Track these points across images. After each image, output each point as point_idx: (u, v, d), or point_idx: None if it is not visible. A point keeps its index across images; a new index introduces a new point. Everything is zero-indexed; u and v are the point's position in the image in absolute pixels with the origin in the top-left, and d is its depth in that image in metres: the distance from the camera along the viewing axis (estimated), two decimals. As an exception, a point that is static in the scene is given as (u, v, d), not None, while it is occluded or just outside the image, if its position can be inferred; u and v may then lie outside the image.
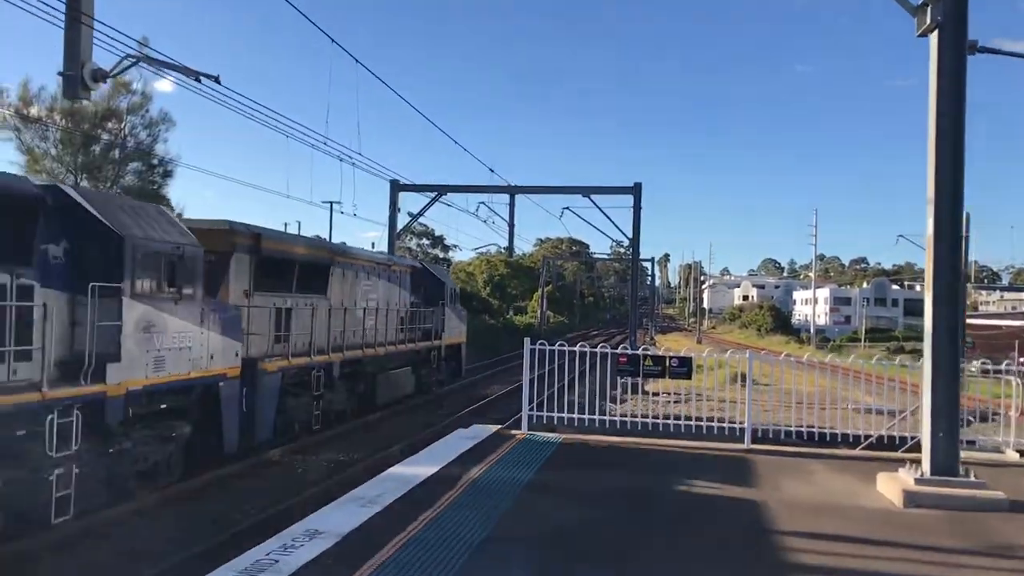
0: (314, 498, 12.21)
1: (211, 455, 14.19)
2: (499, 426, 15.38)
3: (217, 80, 13.58)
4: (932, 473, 10.20)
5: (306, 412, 18.07)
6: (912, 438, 14.10)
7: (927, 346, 10.47)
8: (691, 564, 7.62)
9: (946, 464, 10.14)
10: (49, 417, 10.15)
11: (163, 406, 12.84)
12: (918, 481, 10.12)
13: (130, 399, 11.72)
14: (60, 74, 11.81)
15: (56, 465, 10.25)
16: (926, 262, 10.50)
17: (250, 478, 14.70)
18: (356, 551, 7.49)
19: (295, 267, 18.16)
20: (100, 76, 11.92)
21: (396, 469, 11.32)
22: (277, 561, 7.13)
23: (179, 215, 14.56)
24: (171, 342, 12.68)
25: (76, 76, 11.61)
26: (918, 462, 10.70)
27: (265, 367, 16.03)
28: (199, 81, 13.67)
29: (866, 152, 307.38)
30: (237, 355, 14.67)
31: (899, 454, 13.81)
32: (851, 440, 14.34)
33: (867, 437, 14.43)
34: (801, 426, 14.40)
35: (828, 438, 14.31)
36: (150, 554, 10.16)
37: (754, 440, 13.88)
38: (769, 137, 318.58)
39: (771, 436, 14.62)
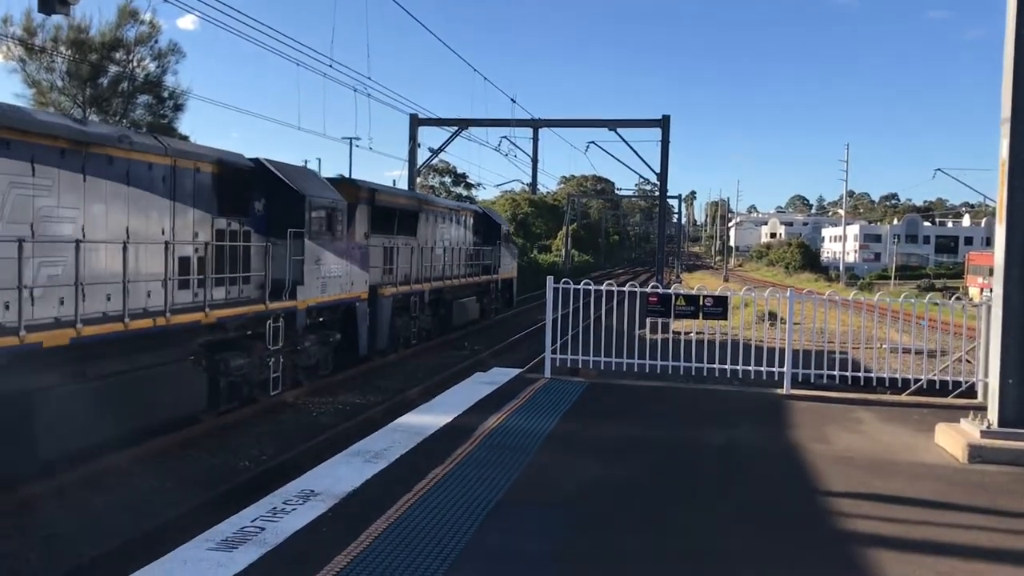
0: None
1: (350, 358, 18.90)
2: (520, 369, 14.47)
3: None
4: (1000, 425, 9.14)
5: (407, 329, 22.90)
6: (965, 382, 13.03)
7: (997, 282, 9.34)
8: (734, 534, 6.66)
9: (1017, 415, 9.08)
10: (268, 321, 14.77)
11: (321, 319, 17.36)
12: (984, 434, 9.07)
13: (308, 312, 16.29)
14: (34, -14, 10.77)
15: (272, 355, 14.95)
16: (999, 189, 9.31)
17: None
18: (354, 516, 6.61)
19: (396, 214, 22.33)
20: (78, -12, 10.86)
21: (407, 418, 10.43)
22: (263, 529, 6.25)
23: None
24: (329, 272, 17.24)
25: (52, -12, 10.57)
26: (982, 411, 9.67)
27: (383, 292, 20.65)
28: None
29: (901, 86, 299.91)
30: (366, 283, 19.42)
31: (950, 400, 12.78)
32: (900, 384, 13.27)
33: (916, 381, 13.33)
34: (845, 370, 13.37)
35: (875, 382, 13.28)
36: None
37: (792, 383, 12.91)
38: (801, 70, 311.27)
39: (812, 380, 13.59)
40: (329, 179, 19.56)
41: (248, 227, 15.08)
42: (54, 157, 10.37)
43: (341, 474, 7.73)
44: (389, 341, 21.11)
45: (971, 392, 13.01)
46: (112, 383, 10.72)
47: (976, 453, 8.85)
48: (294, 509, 6.70)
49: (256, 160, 15.72)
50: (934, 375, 13.32)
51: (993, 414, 9.25)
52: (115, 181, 11.52)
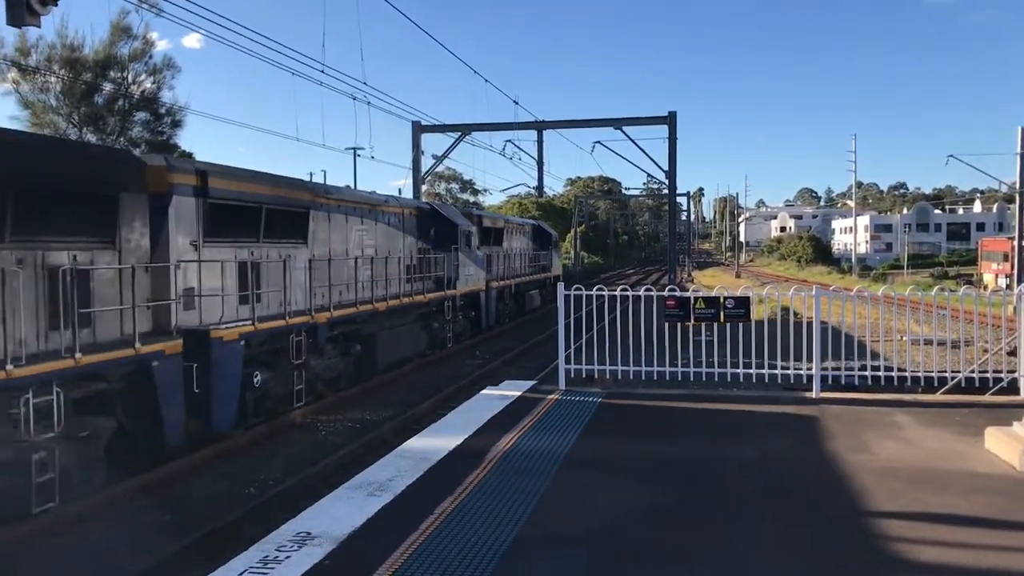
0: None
1: (475, 331, 27.05)
2: (532, 382, 13.77)
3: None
4: (1059, 428, 8.41)
5: (503, 311, 30.97)
6: (1005, 377, 12.27)
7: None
8: (781, 566, 5.95)
9: (1077, 417, 8.34)
10: (446, 303, 23.58)
11: (462, 303, 25.45)
12: (1042, 438, 8.34)
13: (461, 297, 25.14)
14: (1, -3, 10.13)
15: (447, 323, 23.88)
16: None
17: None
18: (355, 563, 5.93)
19: (492, 231, 30.38)
20: (49, -3, 10.23)
21: (414, 442, 9.74)
22: (251, 584, 5.58)
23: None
24: (468, 272, 25.78)
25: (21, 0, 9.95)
26: (1034, 412, 8.94)
27: (491, 284, 28.72)
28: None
29: (903, 74, 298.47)
30: (483, 279, 27.72)
31: (991, 398, 12.04)
32: (935, 383, 12.51)
33: (952, 378, 12.57)
34: (877, 369, 12.63)
35: (909, 381, 12.53)
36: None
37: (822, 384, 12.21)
38: (803, 63, 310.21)
39: (842, 381, 12.87)
40: (463, 209, 30.42)
41: (429, 246, 23.49)
42: (364, 214, 19.60)
43: (341, 512, 7.05)
44: (496, 318, 29.53)
45: (1012, 388, 12.27)
46: (396, 331, 20.09)
47: (1035, 460, 8.11)
48: (288, 557, 6.02)
49: (430, 204, 25.79)
50: (972, 371, 12.58)
51: (1050, 416, 8.51)
52: (384, 224, 20.69)
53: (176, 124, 32.95)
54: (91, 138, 30.08)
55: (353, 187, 32.50)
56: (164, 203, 12.35)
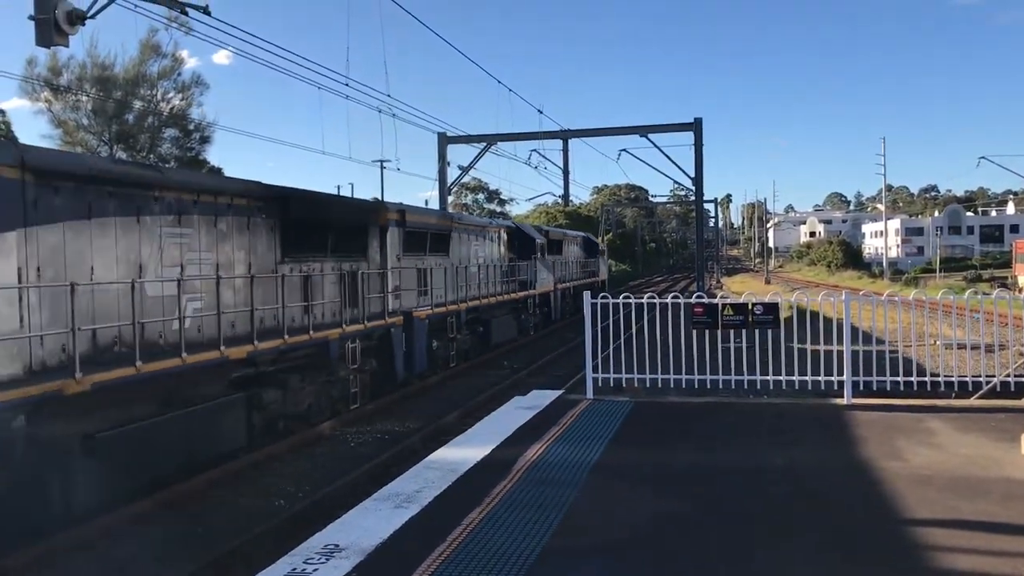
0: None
1: (547, 322, 33.21)
2: (560, 391, 13.72)
3: (206, 11, 11.89)
4: (1097, 433, 8.23)
5: (564, 308, 36.15)
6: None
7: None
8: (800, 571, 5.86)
9: (1116, 421, 8.15)
10: (529, 300, 30.36)
11: (539, 300, 31.58)
12: (1080, 444, 8.17)
13: (537, 296, 31.07)
14: (31, 18, 10.30)
15: (530, 316, 30.60)
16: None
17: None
18: (382, 575, 5.92)
19: (553, 243, 35.56)
20: (77, 17, 10.36)
21: (442, 453, 9.72)
22: (279, 597, 5.58)
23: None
24: (542, 276, 31.88)
25: (49, 19, 10.10)
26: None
27: (557, 286, 35.01)
28: (185, 14, 12.05)
29: (932, 77, 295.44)
30: (552, 281, 33.78)
31: (1026, 402, 11.81)
32: (970, 388, 12.30)
33: (987, 383, 12.36)
34: (905, 373, 12.46)
35: (942, 386, 12.33)
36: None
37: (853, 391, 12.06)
38: (831, 66, 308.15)
39: (874, 387, 12.70)
40: (534, 226, 37.17)
41: (514, 255, 29.31)
42: (478, 233, 25.39)
43: (369, 523, 7.04)
44: (560, 315, 35.26)
45: (1050, 393, 12.03)
46: (501, 319, 26.27)
47: (1073, 466, 7.95)
48: (315, 570, 6.02)
49: (515, 224, 34.32)
50: (1007, 375, 12.36)
51: (1088, 421, 8.33)
52: (488, 240, 26.66)
53: (205, 140, 33.41)
54: (122, 155, 30.49)
55: (381, 199, 33.09)
56: (385, 231, 18.57)
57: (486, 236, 26.42)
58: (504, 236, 28.58)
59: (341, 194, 20.50)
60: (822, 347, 12.21)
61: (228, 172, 34.15)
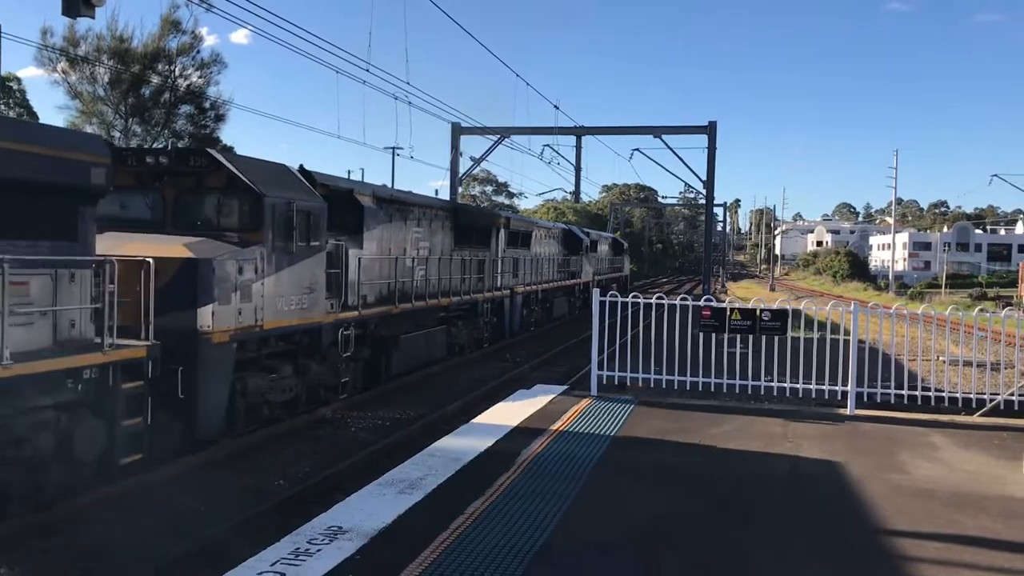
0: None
1: (585, 306, 34.58)
2: (564, 387, 13.76)
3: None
4: (1101, 455, 8.25)
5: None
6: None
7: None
8: (812, 582, 5.90)
9: (1120, 445, 8.17)
10: (576, 287, 37.05)
11: (582, 288, 37.18)
12: (1083, 465, 8.18)
13: (580, 285, 37.40)
14: (58, -12, 10.32)
15: (577, 298, 37.10)
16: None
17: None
18: (385, 559, 5.97)
19: (591, 243, 40.55)
20: (104, -11, 10.40)
21: (446, 441, 9.78)
22: (283, 575, 5.63)
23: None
24: (585, 269, 38.24)
25: (77, -10, 10.12)
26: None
27: (595, 278, 39.28)
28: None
29: (950, 92, 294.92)
30: (590, 274, 39.27)
31: (1031, 422, 11.82)
32: (974, 405, 12.30)
33: (991, 400, 12.35)
34: (908, 386, 12.48)
35: (946, 402, 12.33)
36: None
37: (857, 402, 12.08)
38: (848, 77, 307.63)
39: (878, 399, 12.72)
40: (578, 228, 40.94)
41: (567, 250, 35.24)
42: (546, 234, 32.36)
43: (372, 507, 7.10)
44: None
45: (1053, 413, 12.03)
46: (557, 299, 33.09)
47: (1075, 487, 7.97)
48: (319, 550, 6.07)
49: (567, 226, 38.85)
50: (1011, 394, 12.36)
51: (1092, 443, 8.35)
52: (551, 239, 32.74)
53: (219, 118, 33.43)
54: (136, 129, 30.56)
55: (391, 186, 33.86)
56: (498, 231, 25.13)
57: (551, 236, 33.62)
58: (560, 235, 35.56)
59: (464, 201, 27.16)
60: (828, 356, 12.21)
61: (240, 152, 34.13)
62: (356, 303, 15.38)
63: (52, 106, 51.25)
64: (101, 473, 9.29)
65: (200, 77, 32.78)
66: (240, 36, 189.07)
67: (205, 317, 11.02)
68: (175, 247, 11.12)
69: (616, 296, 13.28)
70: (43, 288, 8.53)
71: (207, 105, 32.91)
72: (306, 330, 13.63)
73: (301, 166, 14.56)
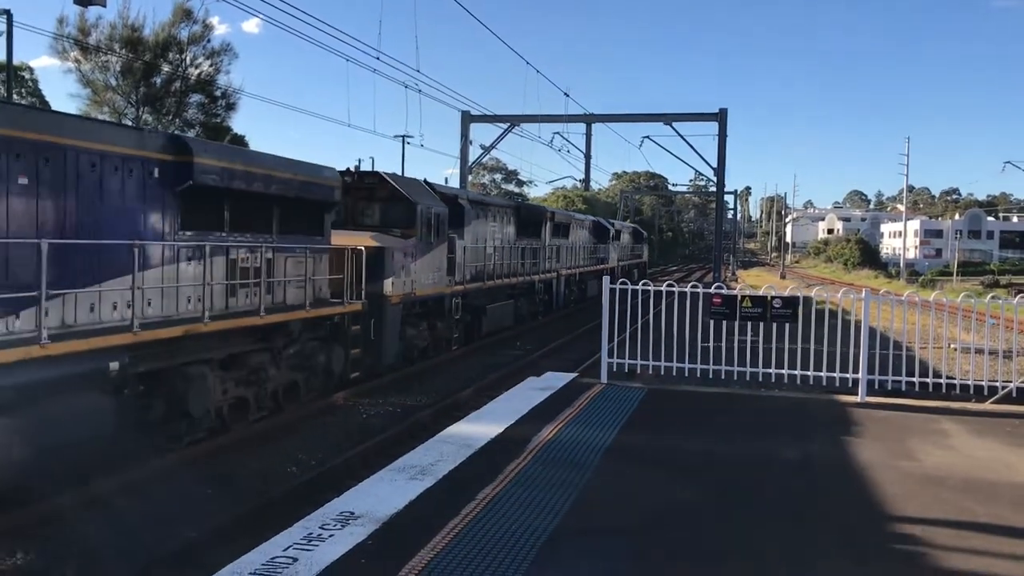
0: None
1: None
2: (574, 374, 13.78)
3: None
4: (1113, 443, 8.22)
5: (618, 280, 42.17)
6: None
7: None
8: (814, 571, 5.92)
9: None
10: (603, 271, 33.72)
11: (608, 272, 33.97)
12: (1095, 452, 8.16)
13: (607, 269, 38.87)
14: (71, -23, 10.35)
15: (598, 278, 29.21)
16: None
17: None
18: (397, 544, 6.00)
19: (616, 232, 45.19)
20: (115, -22, 10.44)
21: (457, 428, 9.82)
22: (296, 560, 5.67)
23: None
24: (611, 255, 43.54)
25: (88, -21, 10.13)
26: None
27: (618, 263, 44.66)
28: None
29: (964, 79, 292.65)
30: (615, 260, 44.16)
31: (1042, 410, 11.78)
32: (986, 392, 12.26)
33: (1003, 387, 12.31)
34: (920, 374, 12.45)
35: (958, 389, 12.30)
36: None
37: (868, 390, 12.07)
38: (861, 63, 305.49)
39: (889, 387, 12.71)
40: (605, 219, 45.20)
41: (596, 239, 39.58)
42: (580, 224, 37.54)
43: (384, 493, 7.14)
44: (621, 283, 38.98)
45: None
46: (588, 282, 36.30)
47: (1087, 474, 7.95)
48: (331, 535, 6.12)
49: (597, 218, 43.12)
50: (1023, 381, 12.31)
51: (1104, 430, 8.32)
52: (584, 229, 38.04)
53: (230, 107, 33.48)
54: (148, 118, 30.63)
55: (402, 173, 34.09)
56: (545, 223, 30.06)
57: (584, 227, 37.97)
58: (591, 226, 39.74)
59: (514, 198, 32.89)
60: (839, 344, 12.20)
61: (252, 141, 34.27)
62: (462, 280, 20.99)
63: (65, 93, 51.28)
64: (343, 382, 15.03)
65: (211, 66, 32.82)
66: (251, 26, 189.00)
67: (388, 286, 16.50)
68: (365, 239, 15.95)
69: (627, 284, 13.28)
70: (310, 264, 13.49)
71: (218, 94, 32.95)
72: (436, 298, 19.43)
73: (424, 179, 19.97)
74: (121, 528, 8.65)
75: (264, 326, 12.19)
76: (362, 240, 15.62)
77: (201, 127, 32.13)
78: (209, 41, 32.80)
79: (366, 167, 31.43)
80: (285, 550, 5.83)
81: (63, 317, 9.12)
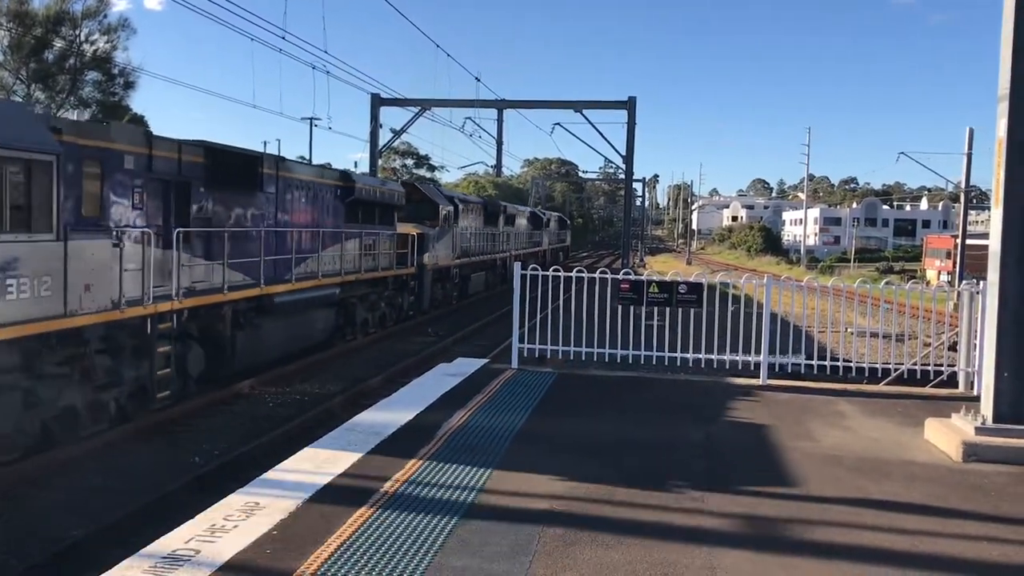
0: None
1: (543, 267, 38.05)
2: (485, 360, 13.80)
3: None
4: (995, 420, 8.65)
5: (556, 259, 51.23)
6: (945, 371, 12.55)
7: (992, 270, 8.83)
8: (722, 544, 6.07)
9: (1013, 410, 8.60)
10: (538, 253, 49.70)
11: (548, 251, 54.87)
12: (979, 430, 8.57)
13: (542, 251, 52.24)
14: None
15: (542, 262, 35.21)
16: (995, 170, 8.78)
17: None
18: (303, 534, 5.91)
19: (548, 220, 56.91)
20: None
21: (366, 416, 9.70)
22: (198, 552, 5.53)
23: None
24: (544, 240, 54.16)
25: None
26: (971, 404, 9.19)
27: (548, 247, 55.05)
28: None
29: (862, 72, 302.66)
30: (546, 244, 54.76)
31: (932, 390, 12.34)
32: (879, 374, 12.76)
33: (895, 370, 12.85)
34: (818, 357, 12.89)
35: (854, 371, 12.77)
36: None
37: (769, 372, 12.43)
38: (764, 55, 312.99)
39: (788, 369, 13.12)
40: (543, 210, 59.92)
41: (533, 226, 49.27)
42: (540, 220, 53.19)
43: (290, 484, 7.01)
44: (548, 265, 45.54)
45: (952, 382, 12.58)
46: (529, 262, 29.22)
47: (971, 451, 8.35)
48: (235, 526, 5.98)
49: (534, 210, 55.19)
50: (914, 364, 12.86)
51: (988, 409, 8.76)
52: (524, 220, 47.55)
53: (129, 85, 32.32)
54: (40, 96, 29.32)
55: (309, 158, 34.84)
56: (500, 215, 38.83)
57: (525, 216, 46.46)
58: (529, 215, 48.46)
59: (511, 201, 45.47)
60: (741, 328, 12.51)
61: (152, 121, 33.13)
62: (458, 256, 30.31)
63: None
64: (408, 316, 25.08)
65: (107, 42, 31.57)
66: (153, 3, 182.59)
67: (425, 258, 25.90)
68: (412, 229, 24.79)
69: (537, 269, 13.34)
70: (386, 243, 22.67)
71: (115, 72, 31.74)
72: (445, 268, 28.89)
73: (437, 182, 30.33)
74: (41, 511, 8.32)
75: (380, 278, 22.01)
76: (412, 229, 24.59)
77: (98, 106, 30.91)
78: (105, 16, 31.55)
79: (272, 150, 32.49)
80: (188, 542, 5.67)
81: (307, 269, 17.81)
